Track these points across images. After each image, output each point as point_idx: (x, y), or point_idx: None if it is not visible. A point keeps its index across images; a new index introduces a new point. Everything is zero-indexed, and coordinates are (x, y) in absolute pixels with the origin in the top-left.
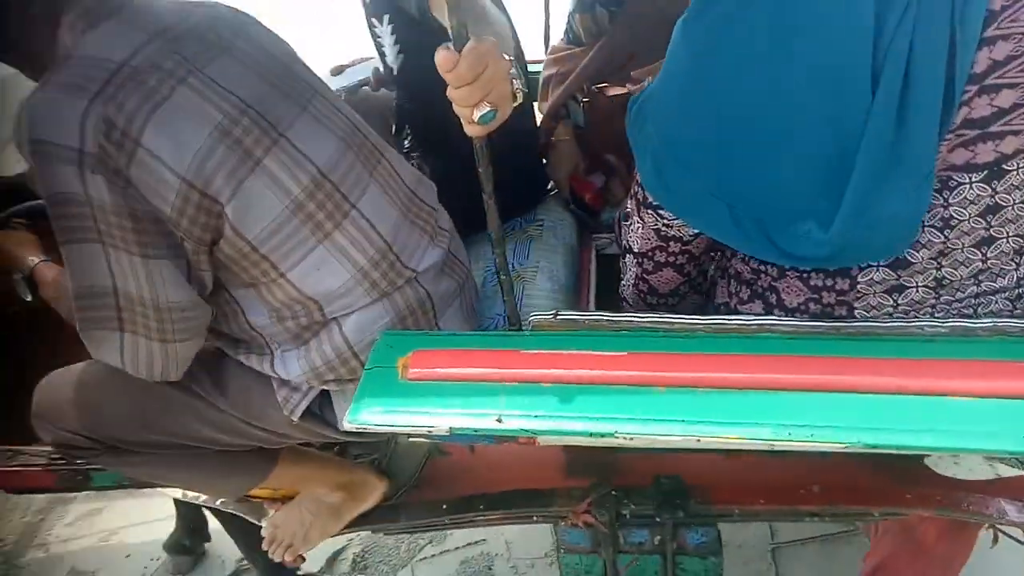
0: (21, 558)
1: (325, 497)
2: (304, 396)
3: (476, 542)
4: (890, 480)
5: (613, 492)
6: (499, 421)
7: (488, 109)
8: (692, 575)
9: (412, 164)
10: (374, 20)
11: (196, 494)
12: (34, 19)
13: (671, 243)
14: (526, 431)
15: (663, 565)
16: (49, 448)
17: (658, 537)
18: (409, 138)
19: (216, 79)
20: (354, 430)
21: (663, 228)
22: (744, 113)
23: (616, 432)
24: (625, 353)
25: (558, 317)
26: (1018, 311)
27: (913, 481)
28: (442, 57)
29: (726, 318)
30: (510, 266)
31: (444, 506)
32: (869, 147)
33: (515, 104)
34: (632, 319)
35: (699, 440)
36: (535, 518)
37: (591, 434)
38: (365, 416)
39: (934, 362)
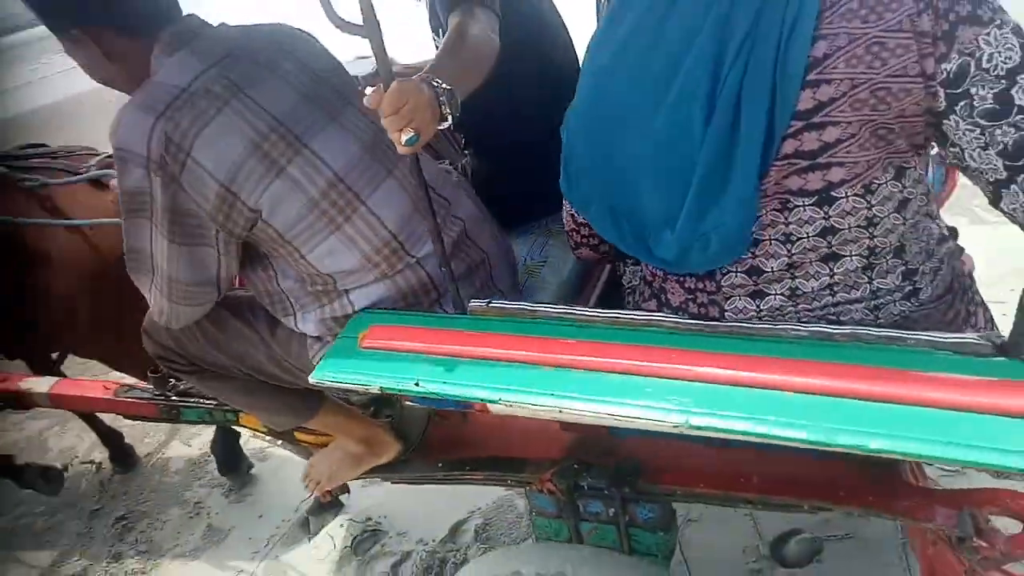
0: (161, 515)
1: (350, 447)
2: (324, 347)
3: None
4: (830, 477)
5: (575, 465)
6: (416, 385)
7: (412, 134)
8: (644, 547)
9: (465, 158)
10: (439, 30)
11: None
12: (136, 50)
13: (582, 227)
14: (435, 393)
15: (618, 534)
16: (152, 386)
17: (612, 509)
18: (463, 137)
19: (256, 99)
20: (315, 383)
21: (575, 214)
22: (615, 134)
23: (500, 399)
24: (531, 336)
25: (490, 305)
26: (881, 320)
27: (855, 480)
28: (369, 96)
29: (618, 312)
30: (524, 259)
31: (440, 464)
32: (702, 169)
33: (441, 125)
34: (547, 310)
35: (560, 411)
36: (509, 482)
37: (480, 399)
38: (325, 373)
39: (788, 361)
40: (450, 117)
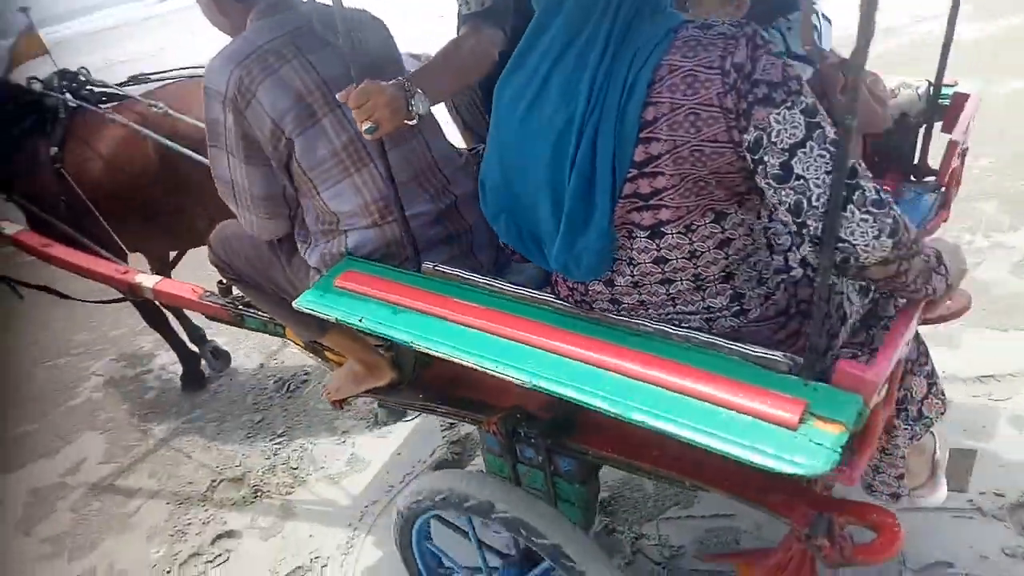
0: (312, 438)
1: (355, 367)
2: (316, 279)
3: (725, 515)
4: (717, 463)
5: (518, 415)
6: (360, 321)
7: (370, 125)
8: (565, 494)
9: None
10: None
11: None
12: (240, 11)
13: None
14: (371, 330)
15: (545, 480)
16: (223, 295)
17: (540, 457)
18: None
19: (313, 63)
20: (295, 307)
21: None
22: (516, 164)
23: (412, 342)
24: (458, 299)
25: (436, 268)
26: (714, 330)
27: (736, 468)
28: (341, 93)
29: (522, 290)
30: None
31: (421, 396)
32: (568, 206)
33: (411, 120)
34: (472, 278)
35: (455, 359)
36: (466, 419)
37: (404, 341)
38: (304, 301)
39: (631, 350)
40: (416, 116)
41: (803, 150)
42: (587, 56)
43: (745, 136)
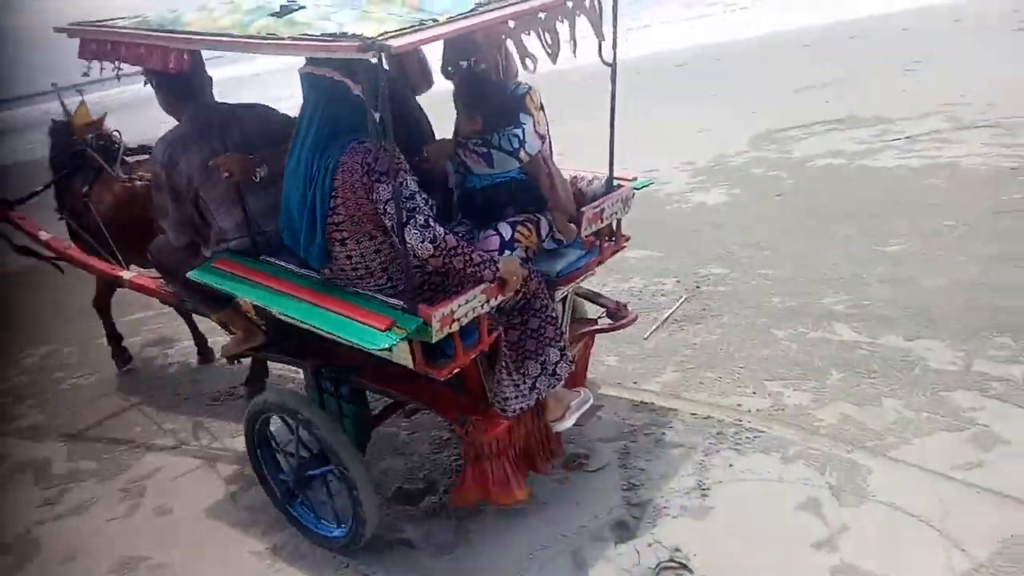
0: None
1: (238, 333)
2: None
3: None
4: (421, 388)
5: (323, 359)
6: (212, 285)
7: (227, 174)
8: (346, 412)
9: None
10: None
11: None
12: (179, 108)
13: None
14: (228, 290)
15: (336, 402)
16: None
17: (332, 386)
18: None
19: (213, 143)
20: (188, 278)
21: None
22: (288, 202)
23: (242, 297)
24: (269, 274)
25: (262, 259)
26: (387, 293)
27: (429, 385)
28: (213, 161)
29: (295, 268)
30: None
31: (272, 347)
32: (304, 230)
33: (255, 178)
34: (276, 263)
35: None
36: (296, 364)
37: (240, 295)
38: (195, 275)
39: (331, 298)
40: (260, 176)
41: (391, 201)
42: (312, 152)
43: (374, 195)
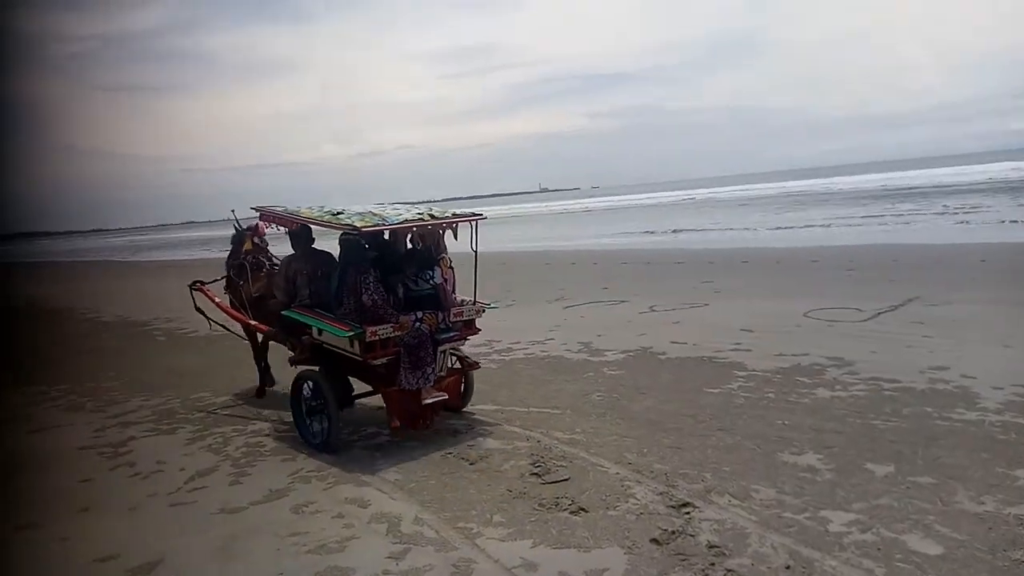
0: (584, 481)
1: (297, 349)
2: None
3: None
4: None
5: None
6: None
7: None
8: (335, 389)
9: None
10: None
11: None
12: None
13: None
14: (300, 320)
15: (331, 385)
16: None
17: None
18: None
19: (309, 261)
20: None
21: None
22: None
23: (307, 323)
24: (316, 314)
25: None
26: (359, 319)
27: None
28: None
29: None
30: None
31: (308, 358)
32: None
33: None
34: (317, 311)
35: None
36: (313, 363)
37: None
38: (285, 313)
39: (331, 321)
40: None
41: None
42: (341, 271)
43: (359, 285)
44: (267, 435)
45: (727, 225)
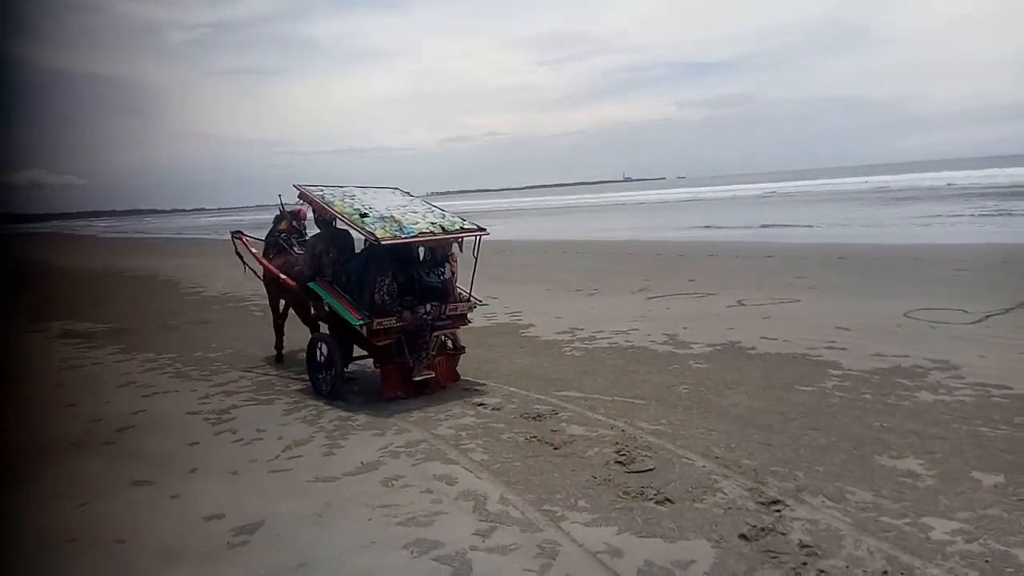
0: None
1: (320, 310)
2: None
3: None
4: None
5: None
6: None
7: None
8: (342, 350)
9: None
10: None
11: None
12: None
13: None
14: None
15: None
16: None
17: (337, 335)
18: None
19: (333, 242)
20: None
21: None
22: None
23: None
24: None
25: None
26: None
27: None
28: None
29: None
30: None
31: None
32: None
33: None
34: (336, 287)
35: None
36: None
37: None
38: (310, 284)
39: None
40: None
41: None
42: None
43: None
44: (357, 410)
45: (821, 219)
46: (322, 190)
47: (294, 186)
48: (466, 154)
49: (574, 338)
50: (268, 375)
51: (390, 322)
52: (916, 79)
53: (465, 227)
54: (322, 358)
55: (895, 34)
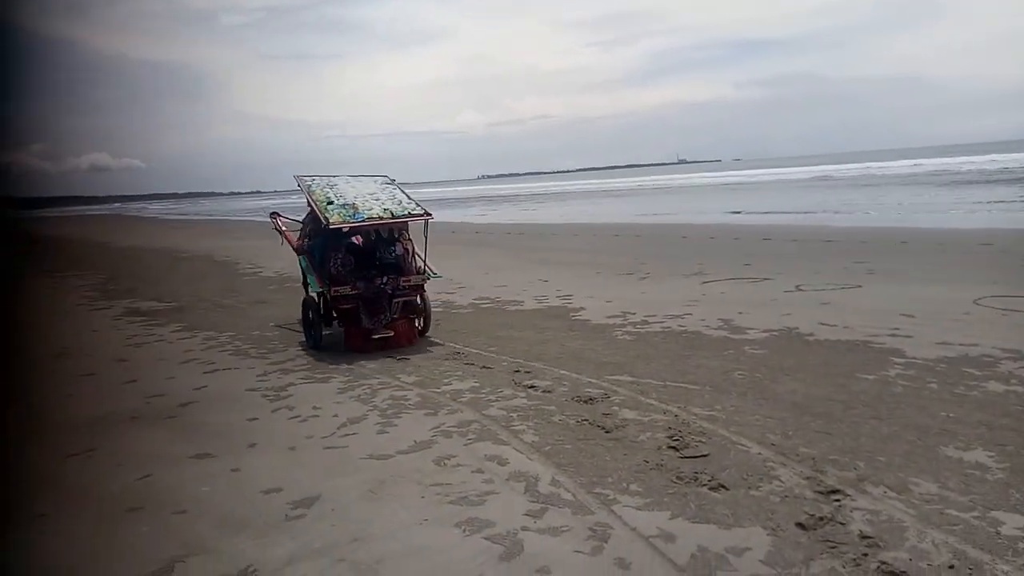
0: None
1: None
2: None
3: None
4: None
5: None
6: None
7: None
8: (324, 314)
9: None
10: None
11: None
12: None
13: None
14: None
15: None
16: None
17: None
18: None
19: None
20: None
21: None
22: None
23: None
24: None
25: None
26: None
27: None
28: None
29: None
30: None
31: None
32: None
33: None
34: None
35: None
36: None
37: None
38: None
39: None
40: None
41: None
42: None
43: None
44: (410, 390)
45: (882, 202)
46: (313, 179)
47: (293, 176)
48: (516, 137)
49: (625, 322)
50: (321, 356)
51: (345, 290)
52: (990, 56)
53: (413, 212)
54: (310, 318)
55: (971, 9)
